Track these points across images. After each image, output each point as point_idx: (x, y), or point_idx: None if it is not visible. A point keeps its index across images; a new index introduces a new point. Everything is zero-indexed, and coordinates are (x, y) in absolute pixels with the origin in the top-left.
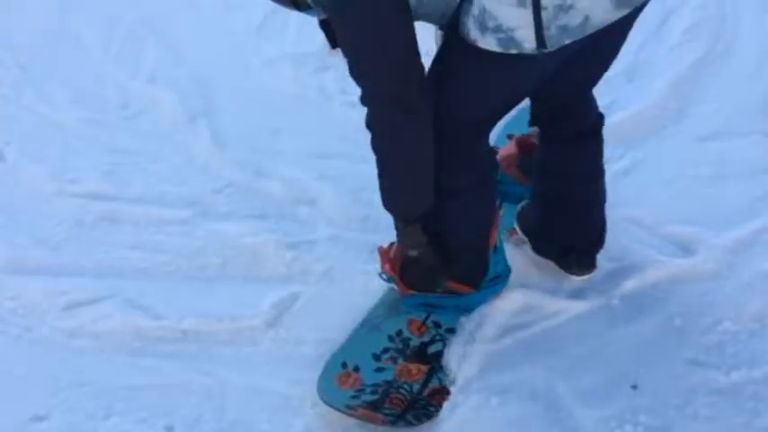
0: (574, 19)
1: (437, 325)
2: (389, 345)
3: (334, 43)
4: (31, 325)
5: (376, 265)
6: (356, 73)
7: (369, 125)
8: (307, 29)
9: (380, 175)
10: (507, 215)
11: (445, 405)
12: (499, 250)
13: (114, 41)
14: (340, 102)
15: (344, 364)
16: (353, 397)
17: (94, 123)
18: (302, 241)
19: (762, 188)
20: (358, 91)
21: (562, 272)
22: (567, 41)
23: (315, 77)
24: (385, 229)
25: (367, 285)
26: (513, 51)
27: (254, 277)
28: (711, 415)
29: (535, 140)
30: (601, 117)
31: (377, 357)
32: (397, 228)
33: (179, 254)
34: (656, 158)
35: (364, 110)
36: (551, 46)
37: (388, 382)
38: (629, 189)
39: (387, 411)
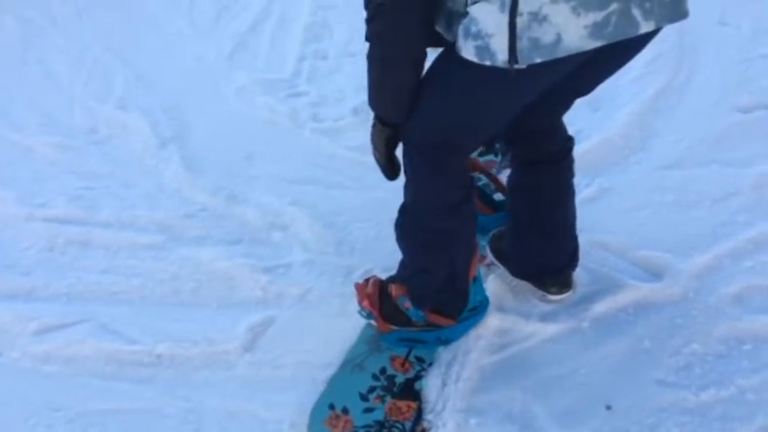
0: (546, 34)
1: (420, 360)
2: (375, 383)
3: None
4: (2, 350)
5: (351, 288)
6: None
7: (372, 36)
8: (277, 55)
9: (371, 76)
10: None
11: (424, 426)
12: (478, 281)
13: (82, 68)
14: (311, 128)
15: (332, 406)
16: None
17: (64, 148)
18: (277, 265)
19: (722, 215)
20: (329, 118)
21: (534, 295)
22: (538, 60)
23: (286, 104)
24: (360, 253)
25: (344, 308)
26: (487, 62)
27: (228, 301)
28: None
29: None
30: (571, 139)
31: (364, 397)
32: (374, 122)
33: (152, 278)
34: (621, 186)
35: (336, 138)
36: (522, 61)
37: (379, 423)
38: (596, 215)
39: None
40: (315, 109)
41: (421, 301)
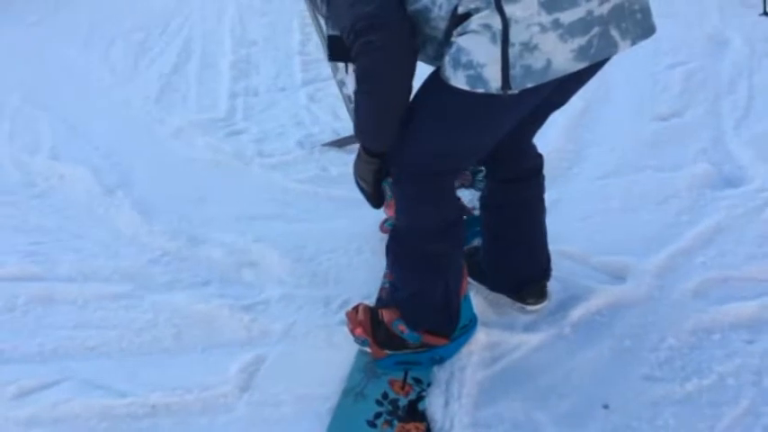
0: (537, 61)
1: (418, 381)
2: (380, 409)
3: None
4: None
5: (335, 317)
6: (344, 27)
7: (362, 73)
8: (207, 95)
9: (358, 110)
10: None
11: None
12: (467, 299)
13: (4, 121)
14: (259, 164)
15: None
16: None
17: (2, 205)
18: (255, 303)
19: (667, 217)
20: (275, 153)
21: (512, 308)
22: (530, 85)
23: (228, 143)
24: (334, 283)
25: (330, 338)
26: (480, 90)
27: (213, 343)
28: (679, 424)
29: None
30: (541, 156)
31: (372, 424)
32: (358, 153)
33: (128, 328)
34: (569, 197)
35: (286, 172)
36: (515, 87)
37: None
38: (552, 227)
39: None
40: (259, 145)
41: (416, 324)
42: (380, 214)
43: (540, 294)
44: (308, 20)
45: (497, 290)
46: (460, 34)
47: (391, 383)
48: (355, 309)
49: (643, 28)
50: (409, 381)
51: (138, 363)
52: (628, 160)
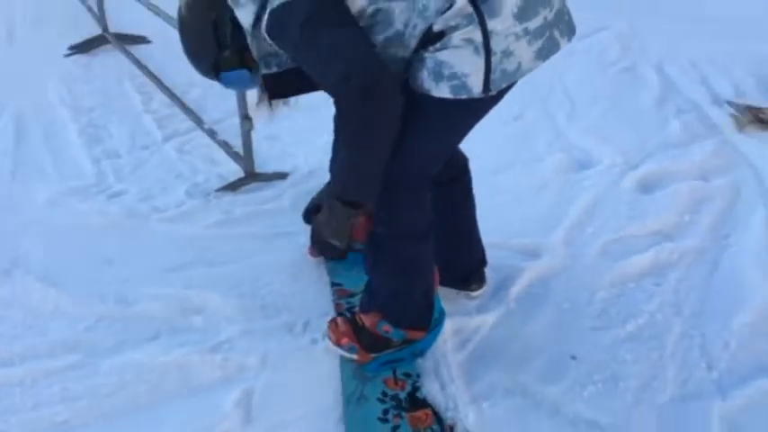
0: (511, 64)
1: (408, 375)
2: (385, 406)
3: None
4: None
5: (305, 339)
6: (333, 77)
7: (342, 117)
8: (67, 164)
9: (348, 162)
10: None
11: (450, 423)
12: (436, 293)
13: None
14: (158, 219)
15: None
16: None
17: None
18: (219, 343)
19: (549, 200)
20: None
21: (458, 296)
22: (504, 85)
23: (113, 205)
24: (287, 311)
25: (309, 358)
26: (464, 96)
27: (194, 389)
28: (635, 358)
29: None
30: (465, 157)
31: (384, 420)
32: (328, 207)
33: (95, 395)
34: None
35: (189, 222)
36: (494, 89)
37: None
38: None
39: None
40: (148, 202)
41: (400, 322)
42: (301, 241)
43: (481, 280)
44: (142, 79)
45: (449, 284)
46: (439, 50)
47: (385, 382)
48: (334, 321)
49: (570, 27)
50: (400, 377)
51: (122, 426)
52: (500, 158)
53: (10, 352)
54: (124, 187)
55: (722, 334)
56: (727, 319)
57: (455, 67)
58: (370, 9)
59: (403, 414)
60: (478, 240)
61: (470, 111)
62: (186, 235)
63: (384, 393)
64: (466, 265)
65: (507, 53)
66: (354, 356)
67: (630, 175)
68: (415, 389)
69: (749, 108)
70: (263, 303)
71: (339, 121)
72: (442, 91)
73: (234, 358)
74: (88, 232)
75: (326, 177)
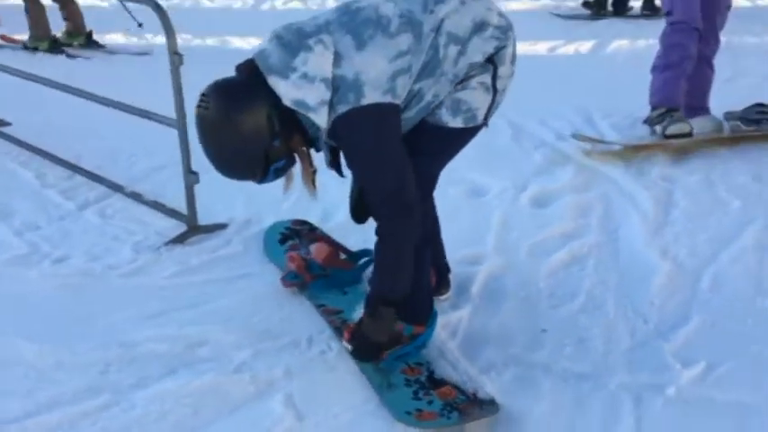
0: (502, 99)
1: (419, 364)
2: (413, 388)
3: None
4: None
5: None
6: (388, 186)
7: (383, 234)
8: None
9: (393, 268)
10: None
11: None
12: None
13: None
14: (117, 275)
15: (408, 413)
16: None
17: None
18: (239, 365)
19: (467, 220)
20: (122, 263)
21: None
22: (493, 115)
23: (62, 268)
24: (289, 333)
25: (326, 364)
26: (471, 125)
27: (235, 405)
28: (590, 323)
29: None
30: None
31: (417, 398)
32: (373, 314)
33: (142, 424)
34: None
35: (148, 274)
36: (488, 119)
37: (447, 404)
38: None
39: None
40: (98, 261)
41: (413, 318)
42: (267, 279)
43: (448, 285)
44: (24, 158)
45: None
46: (458, 90)
47: (404, 372)
48: (349, 330)
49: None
50: (414, 365)
51: None
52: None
53: (34, 402)
54: (65, 252)
55: (646, 296)
56: (644, 286)
57: (470, 103)
58: (408, 93)
59: (431, 392)
60: (443, 252)
61: (468, 137)
62: (151, 286)
63: (407, 380)
64: (438, 277)
65: (502, 91)
66: None
67: (523, 196)
68: (431, 372)
69: (591, 139)
70: (263, 329)
71: (382, 233)
72: (458, 122)
73: (260, 375)
74: (51, 294)
75: (265, 223)
